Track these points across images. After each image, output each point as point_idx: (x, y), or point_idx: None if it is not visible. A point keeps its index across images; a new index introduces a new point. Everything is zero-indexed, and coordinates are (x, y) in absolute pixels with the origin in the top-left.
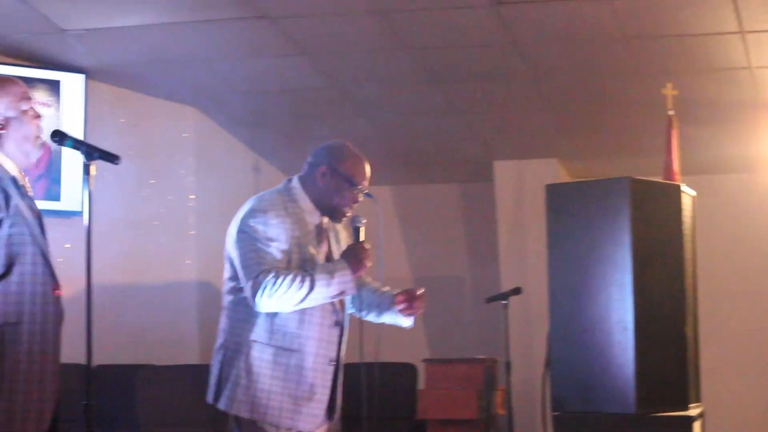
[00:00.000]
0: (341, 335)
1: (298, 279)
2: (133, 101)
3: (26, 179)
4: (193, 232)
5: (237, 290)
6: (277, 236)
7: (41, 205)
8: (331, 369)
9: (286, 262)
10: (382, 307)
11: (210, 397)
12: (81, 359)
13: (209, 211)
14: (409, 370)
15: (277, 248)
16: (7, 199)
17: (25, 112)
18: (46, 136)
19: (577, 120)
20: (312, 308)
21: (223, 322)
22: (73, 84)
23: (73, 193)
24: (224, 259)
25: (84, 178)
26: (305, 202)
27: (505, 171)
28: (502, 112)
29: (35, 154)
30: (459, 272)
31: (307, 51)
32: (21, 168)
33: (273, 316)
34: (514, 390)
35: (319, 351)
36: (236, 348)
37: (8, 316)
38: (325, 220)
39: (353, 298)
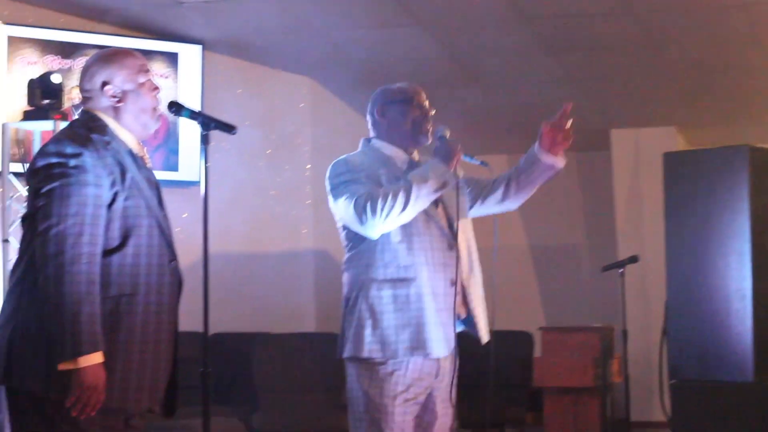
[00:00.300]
0: (458, 257)
1: (393, 187)
2: (250, 72)
3: (145, 151)
4: (309, 201)
5: (350, 246)
6: (362, 169)
7: (159, 175)
8: (452, 291)
9: (379, 185)
10: (525, 166)
11: (338, 352)
12: (198, 327)
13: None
14: (525, 338)
15: (366, 176)
16: (123, 172)
17: (142, 84)
18: (163, 107)
19: (695, 87)
20: (420, 235)
21: (343, 279)
22: (190, 55)
23: (190, 163)
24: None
25: (201, 149)
26: (388, 149)
27: (622, 139)
28: (619, 81)
29: (153, 126)
30: (576, 241)
31: (424, 21)
32: (139, 140)
33: (383, 251)
34: (630, 358)
35: (435, 275)
36: (356, 294)
37: (123, 288)
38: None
39: (472, 194)
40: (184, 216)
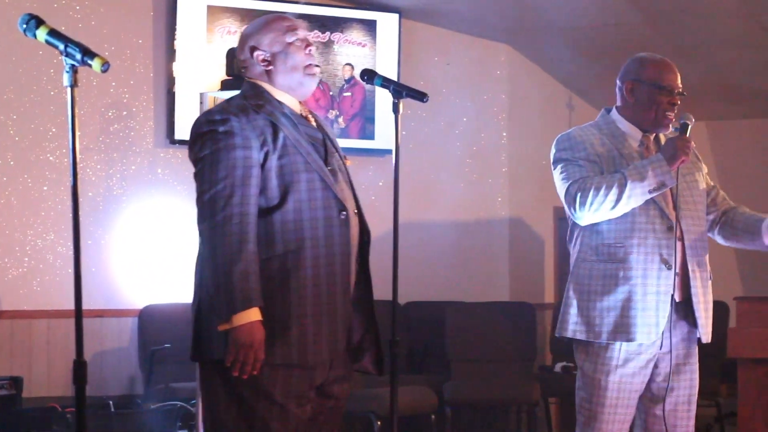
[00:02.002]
0: (681, 243)
1: (608, 178)
2: (446, 39)
3: (307, 109)
4: (505, 170)
5: (571, 220)
6: (583, 149)
7: (356, 144)
8: (669, 274)
9: (598, 172)
10: (744, 230)
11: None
12: (390, 296)
13: (522, 149)
14: (721, 308)
15: (586, 160)
16: (276, 132)
17: (289, 44)
18: (352, 72)
19: None
20: (635, 216)
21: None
22: (388, 23)
23: (387, 132)
24: None
25: (394, 116)
26: (624, 125)
27: None
28: None
29: (309, 82)
30: None
31: None
32: (300, 98)
33: (596, 230)
34: None
35: (648, 257)
36: (570, 273)
37: (288, 245)
38: (653, 144)
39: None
40: (380, 184)
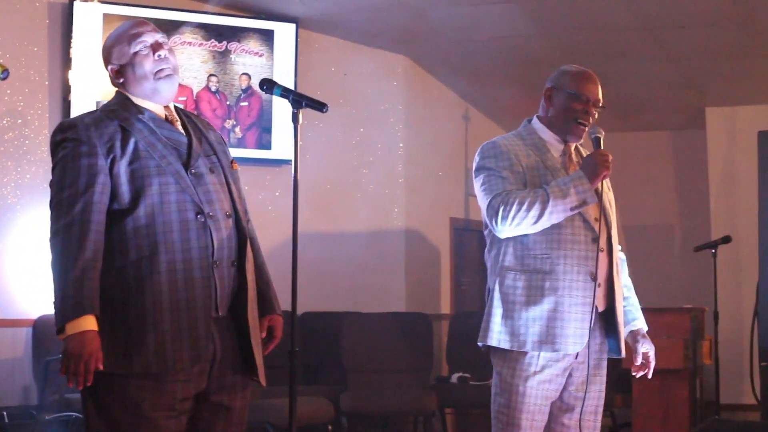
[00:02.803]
0: (609, 252)
1: (531, 194)
2: (344, 49)
3: (177, 113)
4: (402, 180)
5: (489, 231)
6: (507, 159)
7: (252, 153)
8: (591, 286)
9: (522, 185)
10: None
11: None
12: (288, 306)
13: (418, 160)
14: None
15: (509, 172)
16: (126, 137)
17: (135, 54)
18: (249, 82)
19: None
20: (561, 227)
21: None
22: (285, 33)
23: (284, 141)
24: None
25: (293, 127)
26: (545, 134)
27: (717, 117)
28: (714, 58)
29: (164, 86)
30: (668, 220)
31: None
32: (163, 102)
33: (522, 240)
34: (721, 340)
35: (573, 269)
36: (492, 282)
37: (142, 250)
38: (574, 154)
39: None
40: (276, 194)
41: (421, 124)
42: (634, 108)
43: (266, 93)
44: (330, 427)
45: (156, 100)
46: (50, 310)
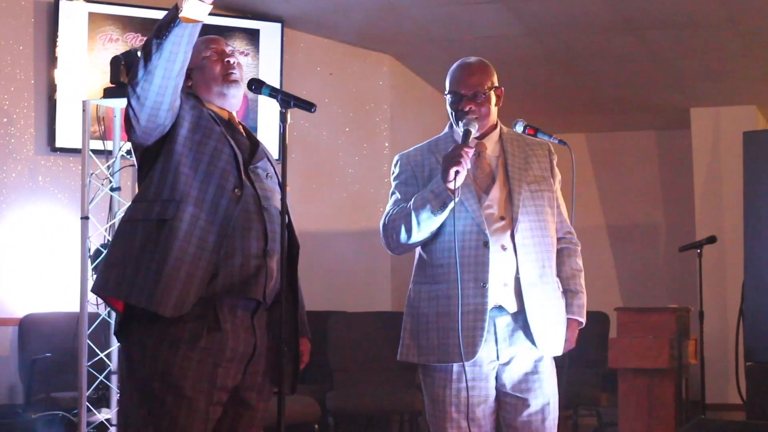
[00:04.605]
0: (514, 255)
1: (401, 207)
2: (329, 49)
3: (238, 122)
4: (387, 180)
5: None
6: (407, 167)
7: None
8: (484, 291)
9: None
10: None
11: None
12: None
13: None
14: (601, 318)
15: (405, 180)
16: (199, 111)
17: (205, 58)
18: (244, 84)
19: None
20: (447, 236)
21: None
22: (270, 33)
23: (270, 141)
24: None
25: (280, 126)
26: (457, 135)
27: (702, 118)
28: (699, 59)
29: (230, 90)
30: (653, 220)
31: None
32: (228, 107)
33: (422, 253)
34: (706, 339)
35: (464, 276)
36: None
37: (174, 194)
38: (489, 148)
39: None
40: None
41: (407, 124)
42: (620, 108)
43: (254, 93)
44: (316, 426)
45: (222, 103)
46: (36, 308)
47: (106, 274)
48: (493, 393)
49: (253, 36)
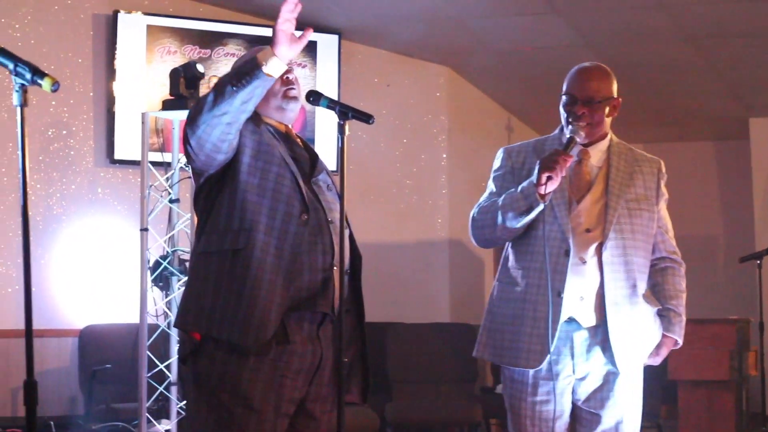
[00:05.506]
0: (597, 269)
1: (492, 201)
2: (386, 61)
3: (296, 135)
4: (445, 191)
5: None
6: (508, 162)
7: None
8: (559, 302)
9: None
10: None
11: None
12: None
13: (461, 171)
14: None
15: (504, 174)
16: (258, 136)
17: None
18: (302, 96)
19: None
20: (533, 239)
21: None
22: (328, 45)
23: (328, 152)
24: None
25: (338, 138)
26: (562, 133)
27: (761, 128)
28: (759, 69)
29: (288, 105)
30: (712, 231)
31: (560, 9)
32: (287, 121)
33: (507, 253)
34: (767, 351)
35: (540, 282)
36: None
37: (244, 223)
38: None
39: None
40: None
41: (464, 135)
42: (678, 118)
43: (312, 104)
44: None
45: (280, 118)
46: (96, 320)
47: (186, 307)
48: (569, 407)
49: (310, 48)
